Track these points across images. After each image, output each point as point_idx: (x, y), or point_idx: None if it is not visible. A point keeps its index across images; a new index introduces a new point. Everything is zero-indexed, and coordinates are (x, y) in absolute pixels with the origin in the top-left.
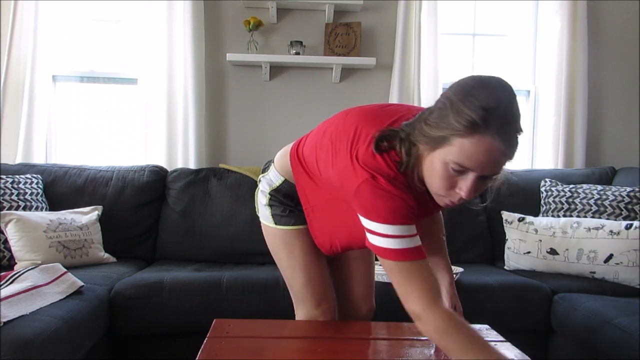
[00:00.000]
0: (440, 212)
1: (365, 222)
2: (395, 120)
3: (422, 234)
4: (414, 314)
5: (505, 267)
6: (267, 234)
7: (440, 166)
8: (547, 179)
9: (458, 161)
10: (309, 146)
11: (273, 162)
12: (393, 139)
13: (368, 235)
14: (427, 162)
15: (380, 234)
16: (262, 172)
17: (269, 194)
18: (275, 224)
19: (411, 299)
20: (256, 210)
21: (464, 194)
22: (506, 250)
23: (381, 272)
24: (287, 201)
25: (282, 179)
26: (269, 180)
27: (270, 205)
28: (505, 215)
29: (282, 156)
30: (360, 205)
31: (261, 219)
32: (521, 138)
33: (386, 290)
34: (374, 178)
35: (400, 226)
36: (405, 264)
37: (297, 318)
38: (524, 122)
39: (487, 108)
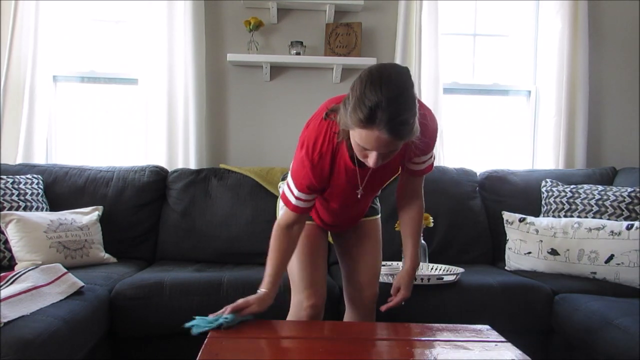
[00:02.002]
0: (422, 208)
1: (288, 177)
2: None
3: (402, 220)
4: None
5: (506, 268)
6: None
7: (354, 143)
8: (547, 179)
9: (360, 143)
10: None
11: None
12: (337, 112)
13: (284, 185)
14: (350, 136)
15: (288, 184)
16: (282, 181)
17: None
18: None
19: (278, 216)
20: (277, 215)
21: (371, 164)
22: (507, 251)
23: (385, 272)
24: None
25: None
26: (284, 182)
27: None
28: (506, 215)
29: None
30: (292, 162)
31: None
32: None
33: (387, 292)
34: (301, 147)
35: (292, 185)
36: (281, 202)
37: (291, 304)
38: (525, 122)
39: (373, 107)
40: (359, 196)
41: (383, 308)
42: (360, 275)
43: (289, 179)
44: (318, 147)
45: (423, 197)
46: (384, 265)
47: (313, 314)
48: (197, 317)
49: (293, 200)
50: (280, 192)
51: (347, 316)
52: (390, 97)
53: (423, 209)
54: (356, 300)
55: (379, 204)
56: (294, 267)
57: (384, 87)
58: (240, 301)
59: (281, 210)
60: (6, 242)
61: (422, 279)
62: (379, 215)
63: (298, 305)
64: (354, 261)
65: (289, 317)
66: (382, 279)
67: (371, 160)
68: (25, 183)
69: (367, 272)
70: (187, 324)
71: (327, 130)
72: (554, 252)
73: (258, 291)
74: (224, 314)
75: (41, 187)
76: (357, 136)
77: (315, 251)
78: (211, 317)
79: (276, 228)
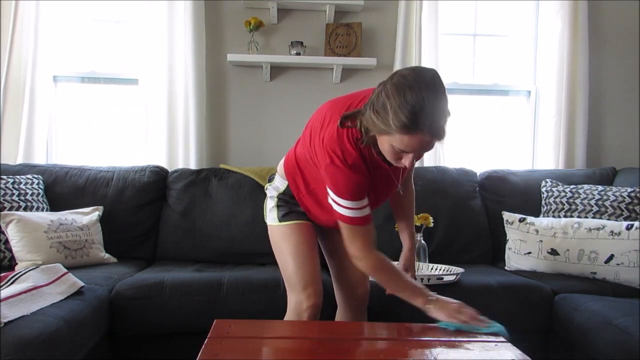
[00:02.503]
0: (414, 191)
1: (330, 193)
2: (359, 102)
3: (394, 204)
4: (354, 255)
5: (506, 268)
6: (272, 234)
7: (388, 147)
8: (547, 180)
9: (399, 148)
10: (302, 144)
11: (276, 172)
12: (355, 119)
13: (331, 203)
14: (379, 141)
15: (338, 204)
16: (268, 182)
17: (277, 197)
18: (279, 221)
19: (354, 247)
20: (264, 217)
21: (407, 165)
22: (507, 251)
23: None
24: (292, 201)
25: (286, 183)
26: (275, 187)
27: (277, 206)
28: (506, 215)
29: (282, 164)
30: (327, 181)
31: (269, 223)
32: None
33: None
34: (332, 160)
35: (351, 201)
36: (353, 227)
37: (288, 303)
38: (525, 122)
39: (415, 113)
40: (400, 192)
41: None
42: (350, 275)
43: (340, 199)
44: (350, 158)
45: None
46: None
47: (315, 313)
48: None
49: (364, 213)
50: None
51: (339, 315)
52: (432, 101)
53: (414, 191)
54: (348, 299)
55: None
56: (291, 267)
57: (424, 91)
58: (463, 310)
59: (355, 242)
60: (6, 242)
61: (422, 279)
62: None
63: (298, 305)
64: (342, 260)
65: (288, 318)
66: None
67: (407, 161)
68: (26, 183)
69: (357, 270)
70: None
71: (348, 137)
72: (554, 252)
73: (428, 307)
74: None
75: (41, 187)
76: (397, 141)
77: (311, 250)
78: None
79: (371, 256)
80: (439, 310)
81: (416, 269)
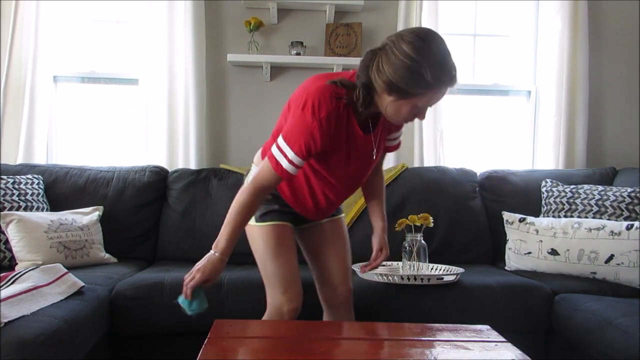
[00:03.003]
0: (383, 174)
1: (279, 139)
2: (350, 77)
3: (364, 185)
4: (243, 187)
5: (506, 268)
6: (250, 234)
7: (409, 108)
8: (547, 180)
9: (425, 105)
10: (275, 132)
11: (253, 163)
12: (350, 89)
13: (273, 148)
14: (390, 105)
15: (280, 149)
16: (246, 177)
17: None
18: (257, 221)
19: (250, 181)
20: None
21: (423, 119)
22: (507, 251)
23: (384, 272)
24: (270, 197)
25: None
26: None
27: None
28: (506, 215)
29: (259, 154)
30: (286, 125)
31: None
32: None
33: (382, 290)
34: (304, 107)
35: (294, 154)
36: (270, 170)
37: (268, 304)
38: (525, 122)
39: (439, 71)
40: (374, 157)
41: (367, 269)
42: (333, 275)
43: (282, 142)
44: (325, 110)
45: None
46: (383, 266)
47: (295, 315)
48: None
49: (284, 164)
50: (257, 160)
51: (326, 317)
52: (448, 53)
53: (384, 177)
54: (332, 300)
55: (342, 205)
56: (270, 269)
57: (439, 45)
58: (197, 276)
59: (254, 174)
60: (7, 242)
61: (422, 279)
62: (343, 215)
63: (279, 308)
64: (324, 261)
65: (268, 319)
66: (381, 278)
67: (423, 115)
68: (26, 183)
69: (339, 270)
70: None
71: (332, 95)
72: (554, 252)
73: (211, 254)
74: (186, 295)
75: (41, 187)
76: (424, 99)
77: (290, 251)
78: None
79: (251, 188)
80: (203, 259)
81: (416, 269)
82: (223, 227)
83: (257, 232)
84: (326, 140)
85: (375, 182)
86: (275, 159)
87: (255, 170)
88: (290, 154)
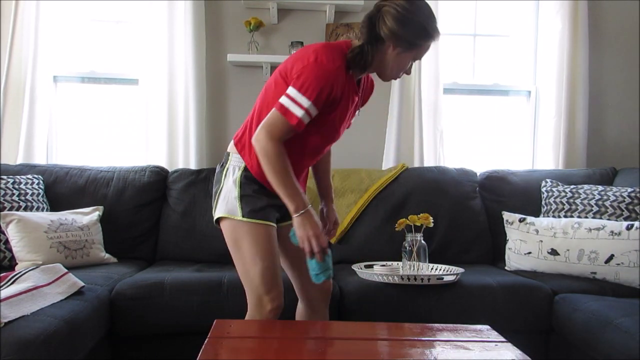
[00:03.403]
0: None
1: (289, 90)
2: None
3: (315, 166)
4: (258, 137)
5: (506, 268)
6: (234, 228)
7: (407, 60)
8: (547, 180)
9: (419, 56)
10: (257, 112)
11: (229, 154)
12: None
13: (282, 99)
14: (395, 58)
15: (292, 98)
16: (221, 168)
17: (240, 181)
18: (243, 216)
19: (265, 130)
20: (213, 209)
21: (409, 73)
22: (507, 251)
23: (384, 272)
24: (257, 187)
25: (244, 163)
26: (235, 166)
27: (242, 196)
28: (506, 215)
29: (237, 144)
30: (294, 79)
31: (222, 214)
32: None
33: (382, 290)
34: (316, 59)
35: (309, 101)
36: (282, 118)
37: (248, 304)
38: (525, 122)
39: (434, 23)
40: (357, 115)
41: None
42: (311, 290)
43: (294, 92)
44: (339, 60)
45: None
46: (383, 266)
47: (278, 313)
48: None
49: (300, 113)
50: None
51: (304, 310)
52: (430, 9)
53: (330, 152)
54: (315, 295)
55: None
56: (257, 269)
57: (428, 9)
58: (317, 236)
59: (270, 125)
60: (7, 242)
61: (422, 279)
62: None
63: (260, 307)
64: (304, 274)
65: (251, 318)
66: (381, 278)
67: (410, 68)
68: (26, 183)
69: (318, 290)
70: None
71: (340, 51)
72: (554, 252)
73: (302, 213)
74: (321, 258)
75: (42, 187)
76: (422, 50)
77: (275, 251)
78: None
79: (274, 144)
80: (300, 225)
81: (416, 269)
82: (285, 187)
83: (245, 228)
84: (340, 89)
85: (323, 160)
86: (289, 110)
87: (237, 158)
88: (307, 102)
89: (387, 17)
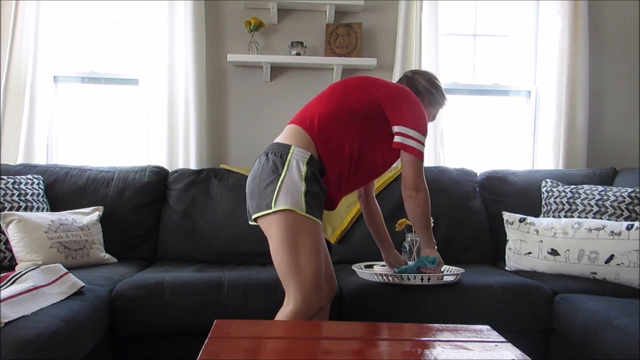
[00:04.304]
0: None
1: (407, 130)
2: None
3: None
4: (417, 187)
5: (506, 268)
6: (291, 220)
7: (432, 114)
8: (548, 180)
9: (440, 110)
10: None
11: (290, 147)
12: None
13: (402, 139)
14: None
15: (413, 138)
16: (280, 159)
17: (306, 177)
18: (307, 212)
19: (419, 179)
20: (273, 200)
21: (435, 118)
22: (507, 251)
23: (384, 272)
24: (319, 186)
25: (309, 153)
26: (299, 160)
27: (307, 192)
28: (506, 215)
29: (296, 137)
30: (409, 117)
31: (288, 206)
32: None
33: (382, 290)
34: (415, 102)
35: (424, 137)
36: (420, 161)
37: (293, 302)
38: (525, 122)
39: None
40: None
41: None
42: (331, 269)
43: (414, 133)
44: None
45: None
46: (383, 266)
47: (319, 312)
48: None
49: (424, 150)
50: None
51: None
52: None
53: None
54: (325, 293)
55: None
56: (311, 267)
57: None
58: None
59: (412, 170)
60: (7, 242)
61: (422, 279)
62: None
63: (308, 306)
64: (325, 256)
65: (293, 316)
66: (381, 278)
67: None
68: (26, 183)
69: (330, 266)
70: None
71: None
72: (554, 252)
73: (435, 250)
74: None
75: (42, 187)
76: (440, 108)
77: (324, 250)
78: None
79: (426, 191)
80: (437, 254)
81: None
82: (429, 228)
83: (307, 224)
84: None
85: (376, 206)
86: (420, 152)
87: (301, 151)
88: (424, 139)
89: (420, 81)
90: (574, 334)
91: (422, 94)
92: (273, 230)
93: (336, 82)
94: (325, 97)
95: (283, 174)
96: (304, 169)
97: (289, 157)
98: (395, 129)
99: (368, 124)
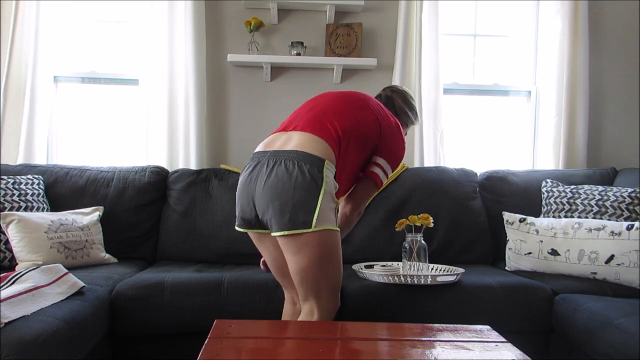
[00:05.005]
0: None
1: (383, 161)
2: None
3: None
4: (360, 211)
5: (506, 268)
6: (332, 239)
7: (407, 131)
8: (548, 180)
9: (411, 128)
10: (348, 119)
11: (323, 161)
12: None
13: (375, 169)
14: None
15: (384, 170)
16: (318, 172)
17: (336, 191)
18: (338, 225)
19: (364, 204)
20: (312, 222)
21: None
22: (507, 251)
23: (384, 272)
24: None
25: (335, 169)
26: (330, 176)
27: (336, 208)
28: (506, 215)
29: (324, 150)
30: (394, 148)
31: (329, 227)
32: (521, 138)
33: (382, 290)
34: (401, 133)
35: (391, 169)
36: (377, 190)
37: (322, 310)
38: (525, 122)
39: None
40: None
41: None
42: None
43: (389, 168)
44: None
45: None
46: (383, 266)
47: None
48: None
49: (385, 179)
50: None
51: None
52: None
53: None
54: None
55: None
56: (339, 276)
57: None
58: None
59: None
60: (7, 242)
61: (422, 279)
62: None
63: (334, 311)
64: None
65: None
66: (381, 278)
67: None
68: (26, 183)
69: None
70: None
71: None
72: (554, 252)
73: None
74: None
75: (42, 187)
76: (413, 127)
77: None
78: None
79: (360, 211)
80: None
81: (416, 269)
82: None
83: (339, 238)
84: None
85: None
86: (382, 182)
87: (332, 166)
88: (390, 171)
89: (397, 101)
90: (574, 334)
91: (398, 114)
92: (310, 249)
93: (337, 95)
94: (332, 111)
95: (322, 191)
96: (335, 185)
97: (324, 173)
98: (379, 161)
99: (361, 147)
